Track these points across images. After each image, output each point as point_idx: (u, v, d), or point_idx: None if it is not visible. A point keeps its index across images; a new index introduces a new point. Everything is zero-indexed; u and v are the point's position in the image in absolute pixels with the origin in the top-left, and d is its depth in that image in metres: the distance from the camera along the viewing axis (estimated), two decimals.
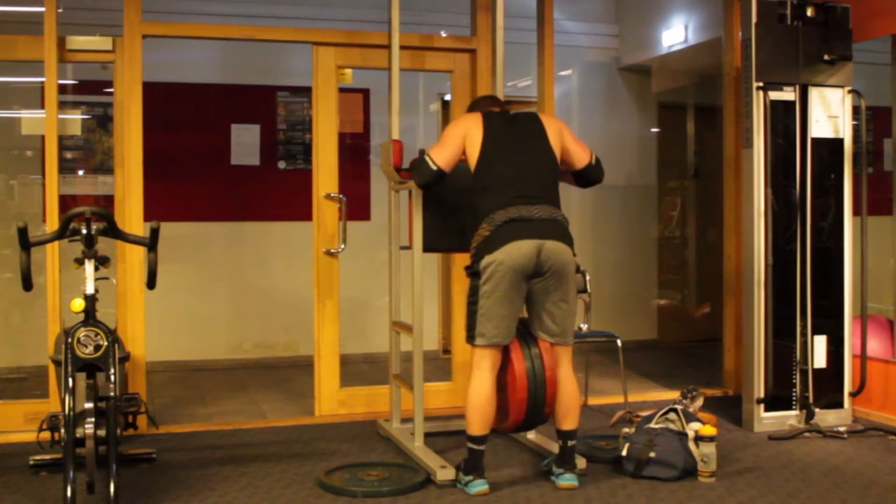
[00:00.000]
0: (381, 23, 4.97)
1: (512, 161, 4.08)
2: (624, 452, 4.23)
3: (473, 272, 4.02)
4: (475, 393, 4.01)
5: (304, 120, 7.31)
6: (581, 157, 4.29)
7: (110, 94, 5.34)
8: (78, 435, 3.60)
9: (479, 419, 4.00)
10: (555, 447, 4.34)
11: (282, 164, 7.34)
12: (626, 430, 4.38)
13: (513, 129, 4.18)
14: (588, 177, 4.36)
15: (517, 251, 3.91)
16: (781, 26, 5.09)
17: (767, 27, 5.06)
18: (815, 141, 5.17)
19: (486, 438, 4.02)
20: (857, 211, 5.23)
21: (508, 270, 3.91)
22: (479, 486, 3.96)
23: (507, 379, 4.07)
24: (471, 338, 4.04)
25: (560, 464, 4.11)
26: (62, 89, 5.63)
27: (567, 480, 4.06)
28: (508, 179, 4.04)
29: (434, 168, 4.11)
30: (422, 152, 4.50)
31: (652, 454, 4.14)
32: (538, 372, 4.04)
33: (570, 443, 4.11)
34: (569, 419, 4.10)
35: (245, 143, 7.26)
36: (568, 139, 4.26)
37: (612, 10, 8.19)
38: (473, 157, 4.12)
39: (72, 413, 3.59)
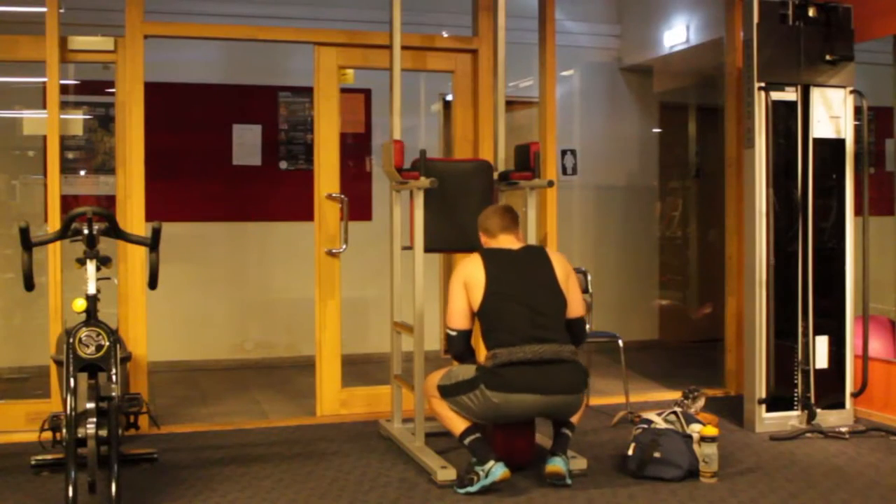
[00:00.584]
0: (382, 23, 4.97)
1: (518, 301, 4.05)
2: (630, 452, 4.23)
3: (477, 370, 4.05)
4: (439, 408, 4.15)
5: (305, 120, 7.31)
6: (575, 308, 4.22)
7: (112, 94, 5.35)
8: (80, 435, 3.60)
9: (457, 419, 4.08)
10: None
11: (283, 165, 7.34)
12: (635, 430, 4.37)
13: (518, 266, 4.15)
14: (571, 329, 4.21)
15: (516, 405, 3.95)
16: (783, 26, 5.08)
17: (769, 27, 5.06)
18: (817, 141, 5.16)
19: (475, 427, 4.05)
20: (858, 211, 5.23)
21: (500, 412, 3.98)
22: (501, 470, 3.90)
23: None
24: (444, 393, 4.13)
25: (552, 450, 4.08)
26: (64, 89, 5.62)
27: (555, 462, 4.00)
28: (513, 316, 4.03)
29: (455, 334, 4.19)
30: (423, 153, 4.52)
31: (657, 454, 4.14)
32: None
33: (563, 429, 4.12)
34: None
35: (247, 143, 7.26)
36: (572, 284, 4.23)
37: (614, 10, 8.19)
38: (476, 300, 4.09)
39: (73, 413, 3.59)
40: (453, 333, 4.19)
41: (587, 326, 4.38)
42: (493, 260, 4.15)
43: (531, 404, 3.96)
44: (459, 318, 4.17)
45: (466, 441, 4.04)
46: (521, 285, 4.09)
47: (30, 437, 4.52)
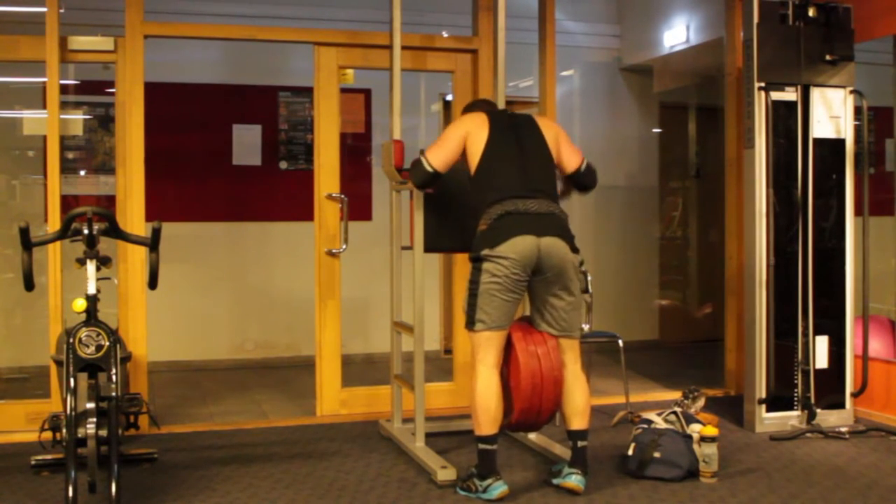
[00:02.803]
0: (382, 23, 4.97)
1: (511, 160, 4.08)
2: (630, 452, 4.23)
3: (475, 258, 3.99)
4: (481, 391, 3.93)
5: (305, 120, 7.31)
6: (572, 161, 4.25)
7: (112, 94, 5.35)
8: (79, 435, 3.60)
9: (487, 418, 3.91)
10: (557, 448, 4.34)
11: (283, 165, 7.34)
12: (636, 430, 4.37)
13: (513, 130, 4.18)
14: (578, 181, 4.31)
15: (521, 245, 3.88)
16: (783, 26, 5.08)
17: (769, 27, 5.06)
18: (817, 141, 5.16)
19: (497, 437, 3.94)
20: (858, 211, 5.23)
21: (511, 263, 3.88)
22: (499, 489, 3.86)
23: (511, 375, 4.02)
24: (471, 323, 3.98)
25: (572, 464, 4.01)
26: (64, 89, 5.63)
27: (574, 480, 3.94)
28: (506, 177, 4.05)
29: (430, 170, 4.13)
30: (422, 153, 4.51)
31: (656, 454, 4.14)
32: (544, 370, 3.97)
33: (580, 443, 4.01)
34: (578, 418, 4.02)
35: (246, 143, 7.26)
36: (563, 141, 4.27)
37: (614, 10, 8.19)
38: (475, 157, 4.11)
39: (73, 413, 3.59)
40: (428, 168, 4.15)
41: (593, 175, 4.34)
42: (497, 122, 4.18)
43: (530, 246, 3.89)
44: (440, 159, 4.15)
45: (480, 446, 3.94)
46: (516, 149, 4.12)
47: (30, 437, 4.52)
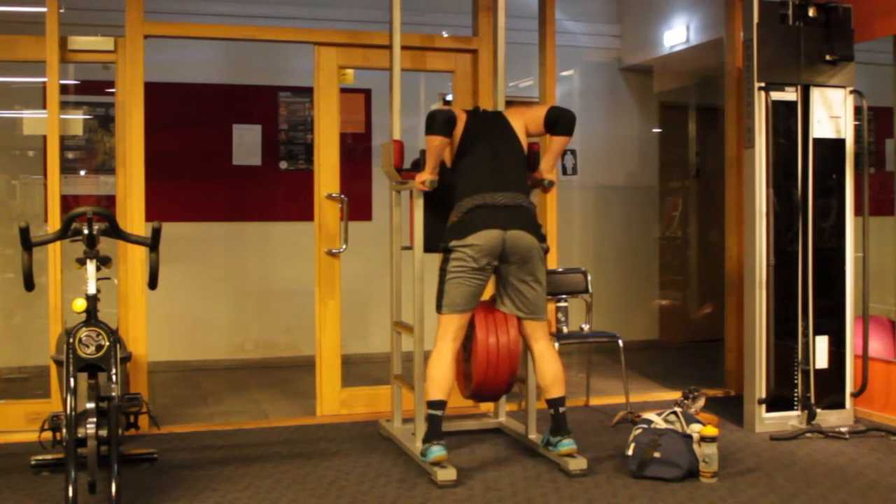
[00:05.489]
0: (382, 23, 4.97)
1: (483, 159, 4.37)
2: (629, 452, 4.23)
3: (444, 249, 4.30)
4: (436, 361, 4.32)
5: (305, 120, 7.31)
6: (540, 112, 4.46)
7: (112, 94, 5.35)
8: (79, 435, 3.60)
9: (433, 385, 4.26)
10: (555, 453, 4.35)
11: (283, 165, 7.34)
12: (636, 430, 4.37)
13: (487, 129, 4.46)
14: (555, 117, 4.39)
15: (486, 238, 4.20)
16: (783, 26, 5.08)
17: (769, 27, 5.06)
18: (817, 141, 5.16)
19: (444, 404, 4.25)
20: (858, 211, 5.23)
21: (476, 252, 4.19)
22: (437, 453, 4.15)
23: (472, 348, 4.38)
24: (438, 307, 4.34)
25: (556, 431, 4.35)
26: (64, 89, 5.63)
27: (566, 446, 4.27)
28: (479, 171, 4.33)
29: (447, 108, 4.39)
30: (423, 153, 4.54)
31: (657, 454, 4.14)
32: (501, 344, 4.33)
33: (560, 409, 4.34)
34: (555, 387, 4.35)
35: (247, 143, 7.26)
36: (529, 113, 4.53)
37: (614, 10, 8.19)
38: (453, 148, 4.43)
39: (73, 413, 3.59)
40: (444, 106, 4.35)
41: (561, 108, 4.47)
42: (473, 118, 4.49)
43: (495, 238, 4.20)
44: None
45: (428, 410, 4.26)
46: (488, 148, 4.39)
47: (30, 437, 4.53)
